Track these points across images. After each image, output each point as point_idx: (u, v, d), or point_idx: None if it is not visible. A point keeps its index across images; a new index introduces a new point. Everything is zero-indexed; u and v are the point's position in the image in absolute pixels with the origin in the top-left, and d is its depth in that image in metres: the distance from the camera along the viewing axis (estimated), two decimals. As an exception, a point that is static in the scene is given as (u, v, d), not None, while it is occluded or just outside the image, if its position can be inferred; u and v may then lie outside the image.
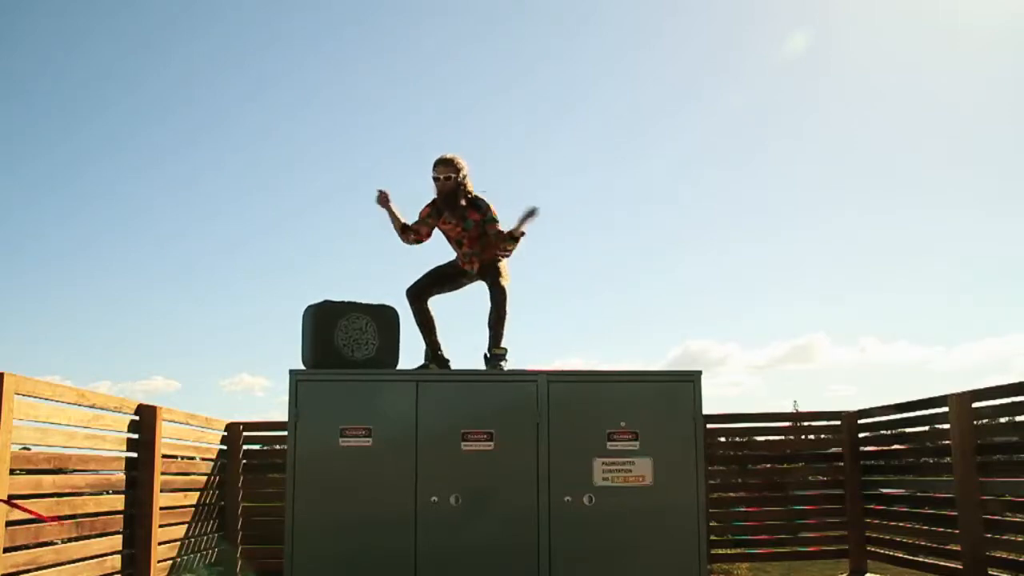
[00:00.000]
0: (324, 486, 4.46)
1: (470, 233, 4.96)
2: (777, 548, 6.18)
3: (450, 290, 5.18)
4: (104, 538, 4.30)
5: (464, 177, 4.92)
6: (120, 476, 4.55)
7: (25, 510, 3.37)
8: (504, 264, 5.00)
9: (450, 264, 5.14)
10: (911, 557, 5.54)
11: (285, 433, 4.55)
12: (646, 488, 4.54)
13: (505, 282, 4.95)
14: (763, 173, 20.23)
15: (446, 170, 4.88)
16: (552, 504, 4.48)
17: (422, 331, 5.04)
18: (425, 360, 5.03)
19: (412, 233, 5.04)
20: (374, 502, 4.47)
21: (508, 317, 4.91)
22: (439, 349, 5.06)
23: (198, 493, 5.54)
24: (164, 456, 4.86)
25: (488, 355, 4.87)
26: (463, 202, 4.91)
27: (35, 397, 3.63)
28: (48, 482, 3.82)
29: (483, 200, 4.94)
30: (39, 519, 3.50)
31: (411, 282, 5.07)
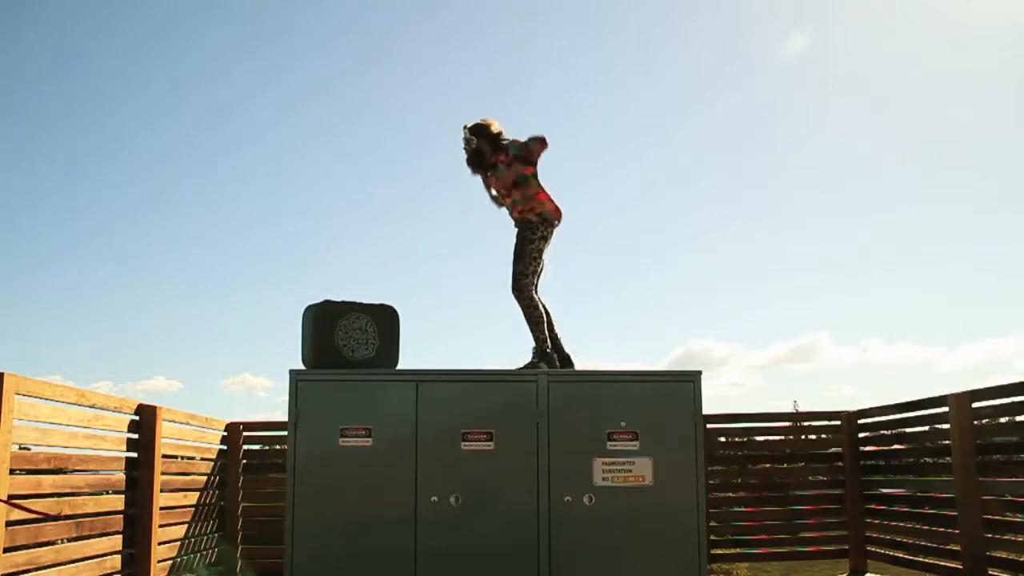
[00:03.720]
0: (324, 486, 4.45)
1: (504, 180, 4.97)
2: (777, 548, 6.18)
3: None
4: (104, 538, 4.30)
5: (486, 138, 5.01)
6: (120, 476, 4.55)
7: (25, 509, 3.36)
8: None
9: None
10: (911, 557, 5.54)
11: (285, 433, 4.54)
12: (646, 488, 4.54)
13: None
14: (765, 173, 20.24)
15: (465, 142, 5.06)
16: (552, 504, 4.48)
17: (534, 327, 4.85)
18: (534, 358, 4.84)
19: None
20: (374, 502, 4.47)
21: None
22: (548, 345, 4.86)
23: (198, 493, 5.54)
24: (164, 456, 4.86)
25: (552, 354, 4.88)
26: (494, 154, 5.01)
27: (35, 397, 3.63)
28: (48, 482, 3.82)
29: (510, 141, 4.99)
30: (39, 517, 3.49)
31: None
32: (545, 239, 4.91)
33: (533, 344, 4.87)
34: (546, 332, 4.88)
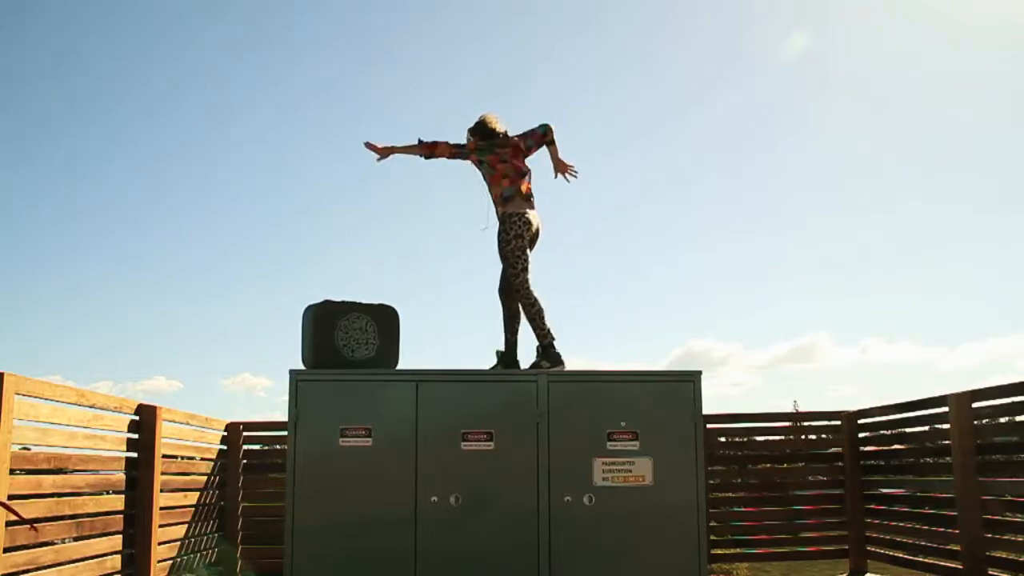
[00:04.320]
0: (324, 486, 4.45)
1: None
2: (777, 548, 6.18)
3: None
4: (104, 538, 4.30)
5: (480, 136, 4.96)
6: (120, 476, 4.55)
7: (17, 514, 3.35)
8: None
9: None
10: (911, 557, 5.54)
11: (285, 433, 4.54)
12: (646, 488, 4.54)
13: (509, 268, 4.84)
14: (765, 173, 20.23)
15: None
16: (552, 504, 4.48)
17: (540, 320, 4.81)
18: (499, 360, 4.92)
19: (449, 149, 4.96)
20: (374, 502, 4.47)
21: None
22: (551, 338, 4.84)
23: (198, 493, 5.54)
24: (164, 456, 4.86)
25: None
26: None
27: (35, 397, 3.63)
28: (48, 482, 3.82)
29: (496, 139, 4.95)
30: (28, 522, 3.47)
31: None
32: (520, 236, 4.79)
33: (538, 342, 4.83)
34: (547, 325, 4.82)
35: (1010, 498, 4.67)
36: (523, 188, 4.89)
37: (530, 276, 4.82)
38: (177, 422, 5.15)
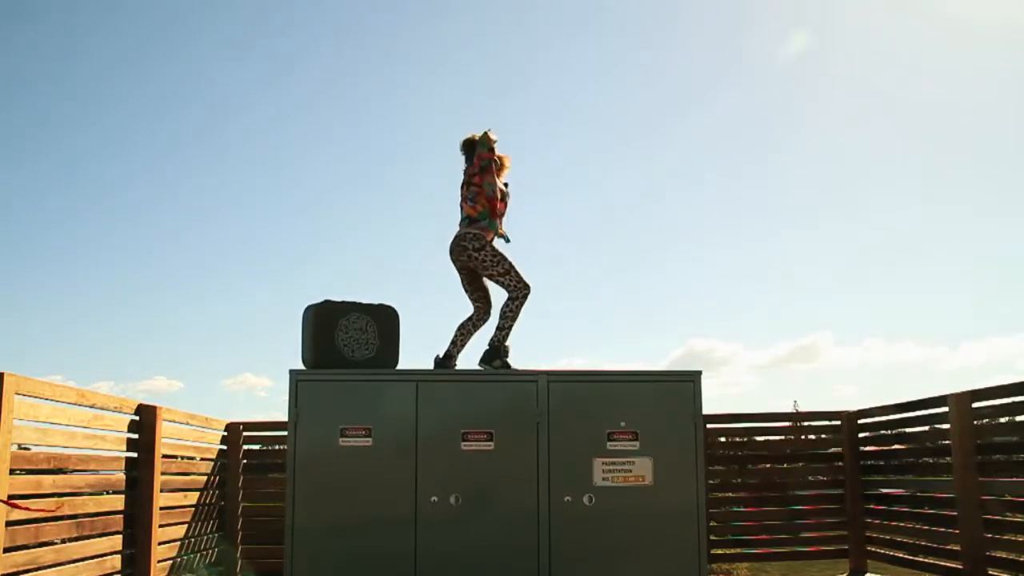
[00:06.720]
0: (324, 486, 4.46)
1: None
2: (777, 548, 6.18)
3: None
4: (104, 538, 4.30)
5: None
6: (120, 476, 4.55)
7: (25, 508, 3.36)
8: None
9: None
10: (911, 557, 5.54)
11: (285, 433, 4.55)
12: (646, 488, 4.54)
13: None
14: (765, 173, 20.24)
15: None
16: (552, 504, 4.48)
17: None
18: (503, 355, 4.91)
19: None
20: (374, 502, 4.47)
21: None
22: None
23: (198, 493, 5.54)
24: (164, 456, 4.86)
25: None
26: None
27: (35, 397, 3.63)
28: (48, 482, 3.81)
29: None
30: (40, 514, 3.49)
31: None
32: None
33: (498, 341, 4.87)
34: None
35: (1010, 498, 4.67)
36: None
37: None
38: (177, 422, 5.15)
